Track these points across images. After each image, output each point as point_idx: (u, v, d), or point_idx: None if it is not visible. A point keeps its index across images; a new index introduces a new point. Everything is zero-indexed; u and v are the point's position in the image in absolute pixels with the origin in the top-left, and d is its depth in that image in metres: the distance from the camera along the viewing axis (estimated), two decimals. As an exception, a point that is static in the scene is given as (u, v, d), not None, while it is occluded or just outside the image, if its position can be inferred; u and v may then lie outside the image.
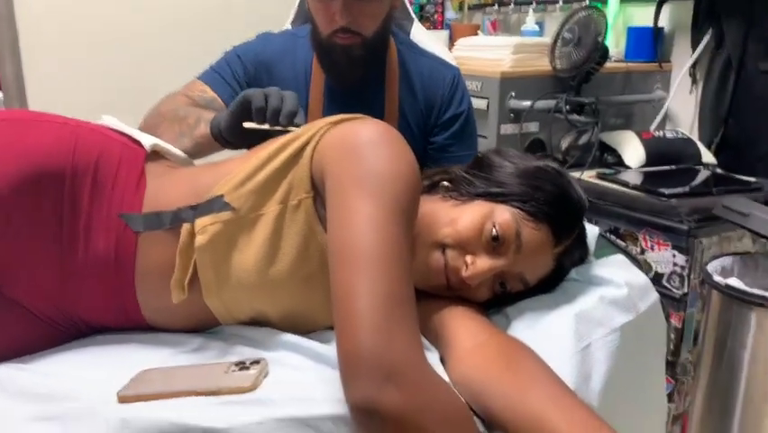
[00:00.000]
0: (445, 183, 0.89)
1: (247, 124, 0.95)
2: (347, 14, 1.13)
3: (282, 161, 0.79)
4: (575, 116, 1.85)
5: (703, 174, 1.77)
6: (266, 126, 0.92)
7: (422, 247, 0.82)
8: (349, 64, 1.20)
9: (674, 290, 1.51)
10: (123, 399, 0.66)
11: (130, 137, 0.88)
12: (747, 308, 1.20)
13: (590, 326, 0.80)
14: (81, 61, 2.29)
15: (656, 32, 2.03)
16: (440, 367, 0.74)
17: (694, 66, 1.97)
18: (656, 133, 1.90)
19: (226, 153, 1.03)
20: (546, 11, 2.43)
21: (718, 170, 1.83)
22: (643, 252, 1.55)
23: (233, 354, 0.76)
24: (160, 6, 2.40)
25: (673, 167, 1.81)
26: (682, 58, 2.01)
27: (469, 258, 0.81)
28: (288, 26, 1.58)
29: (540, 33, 2.29)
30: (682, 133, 1.92)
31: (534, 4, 2.40)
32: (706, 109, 1.94)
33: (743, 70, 1.81)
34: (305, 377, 0.71)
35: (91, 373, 0.72)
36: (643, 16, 2.09)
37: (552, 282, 0.88)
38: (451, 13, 2.63)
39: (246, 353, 0.76)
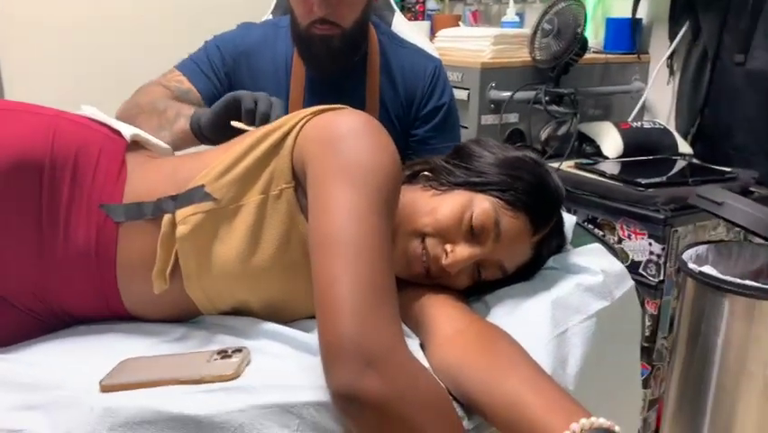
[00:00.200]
0: (426, 173, 0.90)
1: (235, 124, 0.95)
2: (325, 5, 1.13)
3: (263, 151, 0.79)
4: (554, 107, 1.86)
5: (679, 164, 1.80)
6: (253, 129, 0.93)
7: (402, 236, 0.83)
8: (328, 55, 1.20)
9: (651, 278, 1.54)
10: (106, 388, 0.66)
11: (110, 127, 0.88)
12: (721, 295, 1.23)
13: (567, 312, 0.82)
14: (58, 50, 2.25)
15: (634, 24, 2.05)
16: (420, 354, 0.75)
17: (671, 57, 2.00)
18: (634, 124, 1.93)
19: (206, 146, 1.03)
20: (527, 2, 2.44)
21: (695, 161, 1.86)
22: (620, 241, 1.58)
23: (216, 343, 0.77)
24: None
25: (650, 157, 1.83)
26: (660, 49, 2.03)
27: (448, 246, 0.82)
28: (268, 16, 1.58)
29: (520, 25, 2.30)
30: (660, 124, 1.95)
31: (515, -5, 2.41)
32: (683, 100, 1.97)
33: (718, 62, 1.84)
34: (286, 365, 0.71)
35: (74, 362, 0.72)
36: (621, 8, 2.11)
37: (530, 270, 0.90)
38: (432, 4, 2.62)
39: (228, 342, 0.76)
